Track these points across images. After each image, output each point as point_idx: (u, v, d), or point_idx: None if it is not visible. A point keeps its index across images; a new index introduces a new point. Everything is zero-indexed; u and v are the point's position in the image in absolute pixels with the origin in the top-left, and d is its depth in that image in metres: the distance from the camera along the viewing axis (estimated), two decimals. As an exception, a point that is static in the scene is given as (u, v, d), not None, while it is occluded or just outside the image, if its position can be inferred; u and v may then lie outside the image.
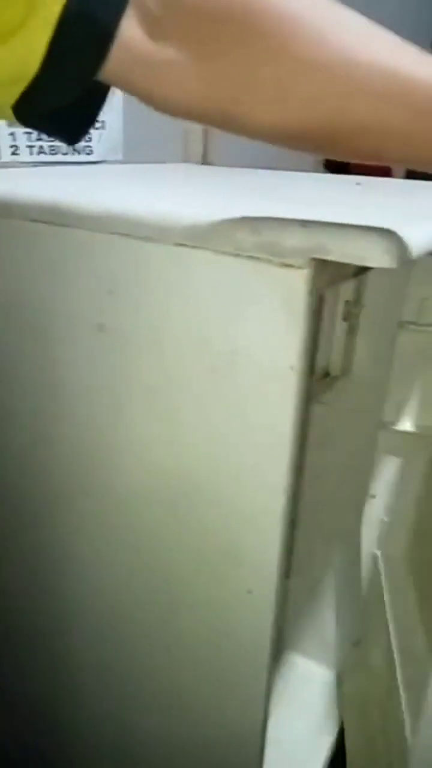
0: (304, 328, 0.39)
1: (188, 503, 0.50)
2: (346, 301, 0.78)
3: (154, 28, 0.29)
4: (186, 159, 1.24)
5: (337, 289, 0.78)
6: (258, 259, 0.39)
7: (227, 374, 0.44)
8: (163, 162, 1.17)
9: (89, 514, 0.57)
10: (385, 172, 1.69)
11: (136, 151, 1.14)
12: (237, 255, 0.39)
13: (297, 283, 0.38)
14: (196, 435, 0.47)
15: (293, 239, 0.37)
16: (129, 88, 0.31)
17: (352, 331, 0.81)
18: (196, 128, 1.24)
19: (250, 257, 0.39)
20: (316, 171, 1.60)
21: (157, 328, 0.46)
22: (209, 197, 0.51)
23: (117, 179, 0.71)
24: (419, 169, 0.33)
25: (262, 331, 0.41)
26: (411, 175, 1.65)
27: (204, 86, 0.30)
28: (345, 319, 0.78)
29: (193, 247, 0.41)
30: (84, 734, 0.72)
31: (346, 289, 0.78)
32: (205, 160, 1.25)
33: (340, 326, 0.79)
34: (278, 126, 0.31)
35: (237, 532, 0.49)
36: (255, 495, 0.46)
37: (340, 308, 0.78)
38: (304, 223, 0.37)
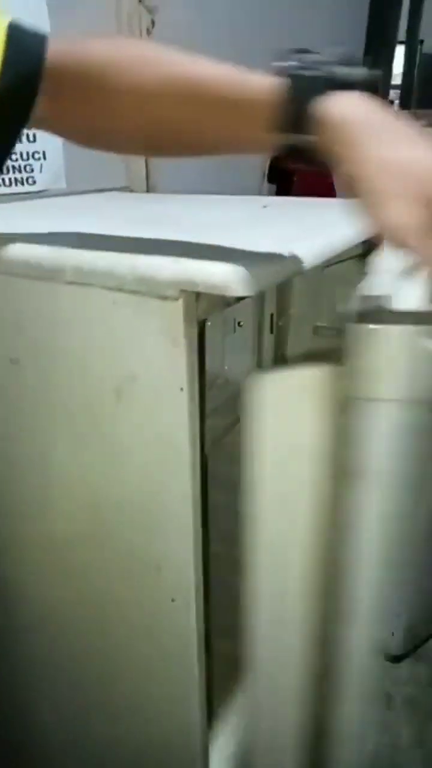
0: (188, 353, 0.43)
1: (106, 520, 0.54)
2: (271, 314, 0.81)
3: (50, 94, 0.40)
4: (130, 185, 1.28)
5: (263, 303, 0.82)
6: (139, 292, 0.42)
7: (129, 397, 0.47)
8: (108, 188, 1.20)
9: (17, 540, 0.60)
10: (328, 192, 1.75)
11: (80, 180, 1.17)
12: (120, 290, 0.43)
13: (174, 313, 0.42)
14: (106, 455, 0.51)
15: (166, 274, 0.41)
16: (41, 129, 0.44)
17: (281, 344, 0.84)
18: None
19: (132, 291, 0.42)
20: (260, 190, 1.65)
21: (63, 359, 0.49)
22: (113, 231, 0.54)
23: (36, 216, 0.74)
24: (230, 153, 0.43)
25: (153, 358, 0.45)
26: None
27: (77, 124, 0.44)
28: (272, 331, 0.82)
29: (82, 284, 0.44)
30: (35, 735, 0.75)
31: (271, 303, 0.81)
32: (149, 187, 1.30)
33: (269, 339, 0.83)
34: (124, 142, 0.45)
35: (155, 544, 0.52)
36: (165, 507, 0.50)
37: (267, 322, 0.82)
38: (175, 259, 0.41)
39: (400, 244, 0.34)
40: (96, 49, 0.41)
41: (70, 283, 0.45)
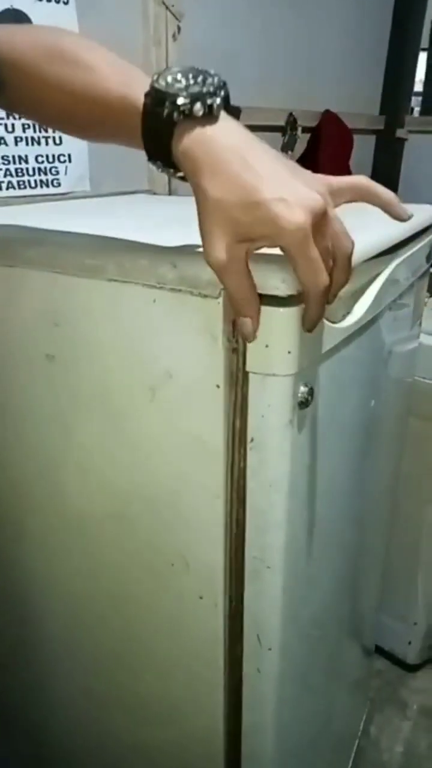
0: (225, 351, 0.43)
1: (135, 515, 0.54)
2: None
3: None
4: (152, 188, 1.29)
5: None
6: (179, 290, 0.43)
7: (164, 394, 0.48)
8: (130, 191, 1.22)
9: (44, 533, 0.61)
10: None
11: (103, 182, 1.19)
12: (161, 287, 0.43)
13: (214, 311, 0.42)
14: (138, 452, 0.51)
15: (207, 273, 0.41)
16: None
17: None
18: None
19: (172, 289, 0.43)
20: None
21: (99, 355, 0.50)
22: (147, 233, 0.55)
23: (66, 216, 0.75)
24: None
25: (190, 355, 0.45)
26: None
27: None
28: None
29: (123, 281, 0.45)
30: (58, 732, 0.75)
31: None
32: (170, 190, 1.31)
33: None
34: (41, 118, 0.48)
35: (185, 541, 0.53)
36: (196, 505, 0.50)
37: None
38: (216, 258, 0.41)
39: (220, 280, 0.38)
40: (19, 40, 0.43)
41: (111, 280, 0.45)
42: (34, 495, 0.60)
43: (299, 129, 1.56)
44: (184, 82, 0.37)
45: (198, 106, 0.37)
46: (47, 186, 1.14)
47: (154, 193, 1.29)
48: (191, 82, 0.37)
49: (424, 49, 2.14)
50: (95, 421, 0.53)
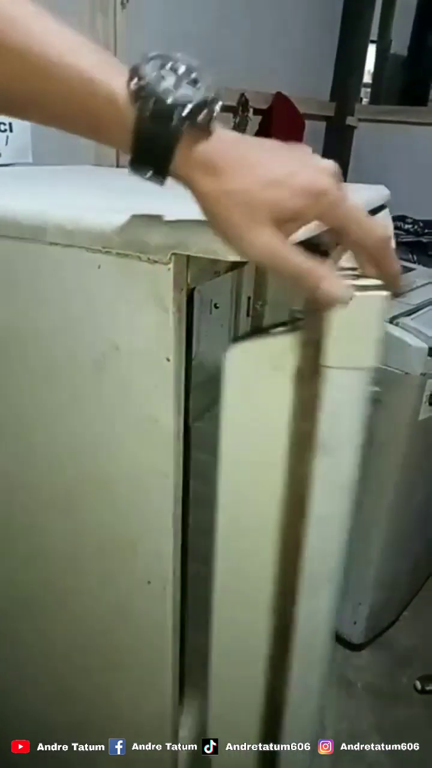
0: (175, 321, 0.41)
1: (80, 496, 0.51)
2: (248, 297, 0.80)
3: None
4: (98, 162, 1.24)
5: (240, 286, 0.80)
6: (126, 255, 0.40)
7: (110, 368, 0.45)
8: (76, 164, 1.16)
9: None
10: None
11: (47, 155, 1.13)
12: (107, 252, 0.41)
13: (163, 278, 0.39)
14: (83, 429, 0.48)
15: (156, 236, 0.39)
16: None
17: (256, 326, 0.83)
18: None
19: (119, 254, 0.40)
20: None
21: (40, 326, 0.47)
22: (92, 198, 0.52)
23: (6, 181, 0.71)
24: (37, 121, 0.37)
25: (138, 326, 0.42)
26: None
27: None
28: (249, 314, 0.81)
29: (66, 245, 0.42)
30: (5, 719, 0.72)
31: (248, 286, 0.80)
32: (118, 164, 1.26)
33: (245, 322, 0.82)
34: None
35: (132, 523, 0.50)
36: (144, 485, 0.48)
37: (244, 305, 0.81)
38: (167, 221, 0.39)
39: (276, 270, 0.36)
40: None
41: (52, 243, 0.42)
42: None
43: (251, 111, 1.54)
44: (171, 79, 0.33)
45: (204, 114, 0.34)
46: (-13, 157, 1.07)
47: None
48: (181, 80, 0.33)
49: (373, 41, 2.16)
50: (37, 399, 0.49)
